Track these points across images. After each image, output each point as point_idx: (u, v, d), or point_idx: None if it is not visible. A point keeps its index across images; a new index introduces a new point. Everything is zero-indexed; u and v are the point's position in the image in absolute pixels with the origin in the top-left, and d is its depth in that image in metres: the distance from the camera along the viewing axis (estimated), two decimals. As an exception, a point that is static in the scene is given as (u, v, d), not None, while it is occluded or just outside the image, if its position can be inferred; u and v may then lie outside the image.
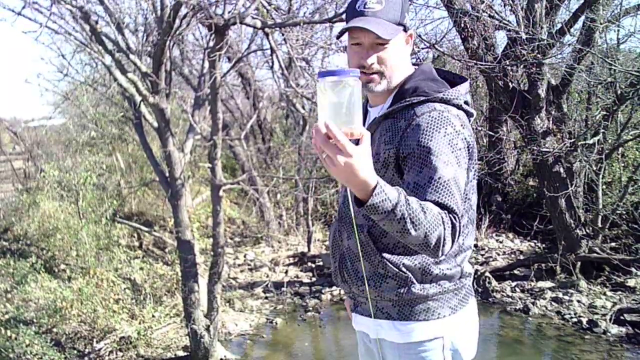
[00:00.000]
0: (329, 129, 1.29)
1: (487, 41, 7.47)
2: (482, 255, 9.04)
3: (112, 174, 10.89)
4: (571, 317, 6.49)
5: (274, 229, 10.87)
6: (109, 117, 10.25)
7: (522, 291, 7.42)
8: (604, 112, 7.71)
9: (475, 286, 7.19)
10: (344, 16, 4.87)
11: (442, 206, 1.51)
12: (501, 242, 9.65)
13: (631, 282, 7.04)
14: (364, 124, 1.90)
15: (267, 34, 5.75)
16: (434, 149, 1.60)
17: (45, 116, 13.61)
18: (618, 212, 7.69)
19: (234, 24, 4.71)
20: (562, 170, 7.64)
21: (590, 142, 7.42)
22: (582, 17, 7.04)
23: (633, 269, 7.16)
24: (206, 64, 5.82)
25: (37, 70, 14.22)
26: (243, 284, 8.63)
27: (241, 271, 9.26)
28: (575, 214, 7.61)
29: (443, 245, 1.48)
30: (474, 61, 7.14)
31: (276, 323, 7.13)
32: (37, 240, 9.00)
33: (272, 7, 6.00)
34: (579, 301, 6.81)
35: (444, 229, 1.47)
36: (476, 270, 7.77)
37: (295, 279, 8.72)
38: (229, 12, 4.80)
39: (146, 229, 8.49)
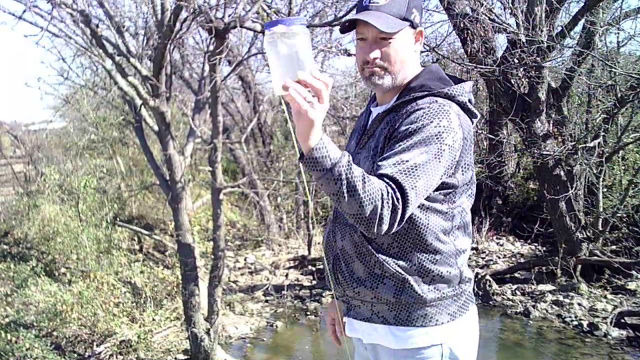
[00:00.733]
0: (319, 81, 1.34)
1: (487, 44, 7.47)
2: (483, 258, 9.03)
3: (113, 177, 10.91)
4: (572, 320, 6.48)
5: (275, 232, 10.86)
6: (110, 120, 10.27)
7: (523, 294, 7.41)
8: (605, 115, 7.71)
9: (476, 289, 7.18)
10: (344, 19, 4.89)
11: (395, 183, 1.48)
12: (502, 245, 9.64)
13: (632, 285, 7.03)
14: (366, 124, 1.89)
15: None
16: (417, 135, 1.57)
17: (45, 120, 13.63)
18: (618, 215, 7.68)
19: (234, 27, 4.72)
20: (562, 173, 7.63)
21: (591, 145, 7.42)
22: (582, 20, 7.05)
23: (634, 272, 7.14)
24: (206, 68, 5.83)
25: (37, 73, 14.22)
26: (243, 287, 8.63)
27: (242, 274, 9.26)
28: (575, 217, 7.60)
29: (379, 223, 1.44)
30: (474, 64, 7.15)
31: (276, 326, 7.12)
32: (37, 244, 9.00)
33: (272, 11, 6.01)
34: (579, 304, 6.80)
35: (382, 206, 1.43)
36: (477, 274, 7.77)
37: (296, 282, 8.71)
38: (229, 16, 4.81)
39: (146, 232, 8.49)
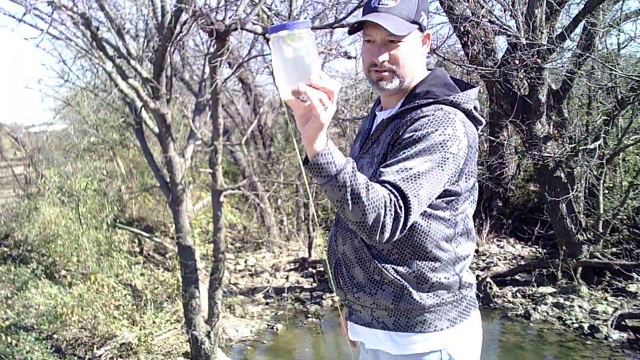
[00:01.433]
0: (323, 88, 1.32)
1: (487, 46, 7.47)
2: (483, 260, 9.03)
3: (113, 179, 10.91)
4: (572, 323, 6.47)
5: (275, 234, 10.86)
6: (110, 122, 10.26)
7: (523, 296, 7.40)
8: (605, 117, 7.70)
9: (477, 292, 7.17)
10: (344, 22, 4.89)
11: (398, 190, 1.47)
12: (502, 248, 9.64)
13: (632, 288, 7.03)
14: (370, 128, 1.87)
15: (267, 40, 5.76)
16: (422, 143, 1.56)
17: (46, 122, 13.64)
18: (619, 217, 7.68)
19: (235, 29, 4.72)
20: (563, 175, 7.63)
21: (591, 147, 7.42)
22: (583, 22, 7.05)
23: (634, 274, 7.14)
24: (207, 70, 5.83)
25: (37, 76, 14.22)
26: (244, 289, 8.62)
27: (242, 277, 9.25)
28: (576, 219, 7.60)
29: (382, 231, 1.43)
30: (475, 66, 7.15)
31: (277, 329, 7.11)
32: (37, 246, 9.01)
33: (272, 13, 6.02)
34: (580, 307, 6.79)
35: (385, 214, 1.42)
36: (477, 276, 7.76)
37: (296, 284, 8.70)
38: (229, 18, 4.81)
39: (147, 234, 8.49)
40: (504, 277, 7.99)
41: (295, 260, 9.68)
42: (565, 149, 7.43)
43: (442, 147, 1.56)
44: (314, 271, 9.04)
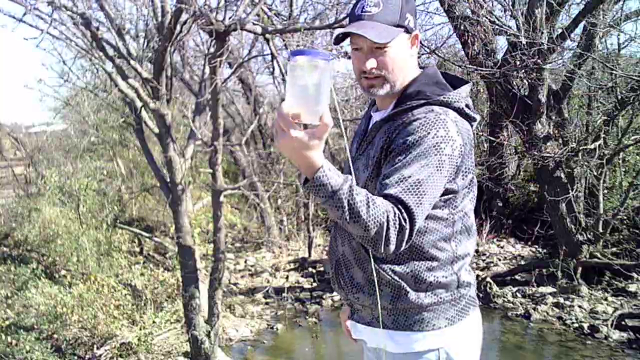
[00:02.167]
0: (281, 112, 1.37)
1: (487, 46, 7.47)
2: (483, 260, 9.03)
3: (113, 179, 10.91)
4: (572, 323, 6.47)
5: (275, 234, 10.86)
6: (110, 122, 10.26)
7: (524, 296, 7.40)
8: (605, 117, 7.71)
9: (477, 292, 7.17)
10: (344, 22, 4.89)
11: (400, 203, 1.50)
12: (502, 247, 9.64)
13: (632, 288, 7.03)
14: (366, 129, 1.89)
15: (267, 40, 5.76)
16: (416, 148, 1.58)
17: (46, 122, 13.64)
18: (619, 217, 7.68)
19: (235, 30, 4.71)
20: (562, 175, 7.63)
21: (591, 147, 7.42)
22: (583, 22, 7.05)
23: (634, 274, 7.14)
24: (207, 70, 5.83)
25: (37, 76, 14.21)
26: (244, 289, 8.62)
27: (242, 277, 9.25)
28: (576, 219, 7.60)
29: (386, 244, 1.47)
30: (475, 67, 7.15)
31: (277, 329, 7.11)
32: (37, 246, 9.01)
33: (272, 13, 6.02)
34: (580, 306, 6.79)
35: (388, 227, 1.45)
36: (477, 276, 7.76)
37: (296, 284, 8.71)
38: (229, 18, 4.81)
39: (147, 234, 8.49)
40: (504, 277, 7.99)
41: (295, 260, 9.68)
42: (566, 149, 7.43)
43: (436, 150, 1.58)
44: (314, 271, 9.03)
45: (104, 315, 6.49)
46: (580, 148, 7.52)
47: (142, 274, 7.67)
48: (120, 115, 9.08)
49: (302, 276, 9.03)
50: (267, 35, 5.41)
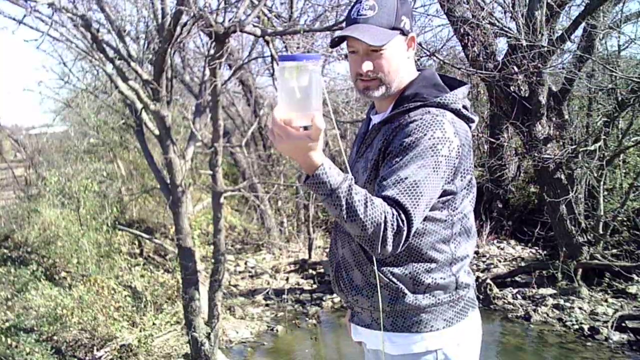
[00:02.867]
0: (274, 118, 1.41)
1: (487, 49, 7.48)
2: (483, 262, 9.03)
3: (113, 181, 10.90)
4: (573, 324, 6.47)
5: (275, 236, 10.86)
6: (110, 124, 10.26)
7: (524, 298, 7.40)
8: (605, 119, 7.71)
9: (477, 293, 7.17)
10: (344, 24, 4.90)
11: (398, 204, 1.50)
12: (502, 249, 9.64)
13: (633, 289, 7.03)
14: (365, 132, 1.89)
15: (267, 42, 5.77)
16: (413, 150, 1.58)
17: (46, 123, 13.65)
18: (619, 218, 7.68)
19: (235, 31, 4.72)
20: (563, 176, 7.63)
21: (591, 148, 7.42)
22: (583, 24, 7.05)
23: (634, 276, 7.14)
24: (207, 72, 5.84)
25: (38, 78, 14.22)
26: (244, 291, 8.62)
27: (242, 278, 9.25)
28: (576, 220, 7.59)
29: (383, 245, 1.47)
30: (475, 69, 7.15)
31: (277, 330, 7.11)
32: (37, 248, 9.00)
33: (273, 15, 6.02)
34: (580, 308, 6.79)
35: (385, 228, 1.46)
36: (477, 277, 7.75)
37: (296, 286, 8.70)
38: (229, 20, 4.82)
39: (147, 236, 8.49)
40: (504, 279, 7.99)
41: (295, 262, 9.68)
42: (566, 151, 7.43)
43: (433, 151, 1.58)
44: (314, 273, 9.04)
45: (104, 317, 6.49)
46: (581, 149, 7.52)
47: (142, 276, 7.67)
48: (121, 116, 9.09)
49: (302, 278, 9.03)
50: (267, 37, 5.41)
